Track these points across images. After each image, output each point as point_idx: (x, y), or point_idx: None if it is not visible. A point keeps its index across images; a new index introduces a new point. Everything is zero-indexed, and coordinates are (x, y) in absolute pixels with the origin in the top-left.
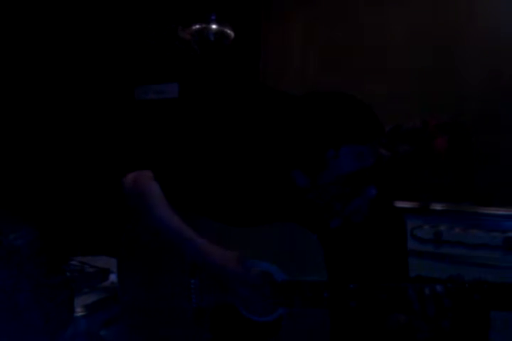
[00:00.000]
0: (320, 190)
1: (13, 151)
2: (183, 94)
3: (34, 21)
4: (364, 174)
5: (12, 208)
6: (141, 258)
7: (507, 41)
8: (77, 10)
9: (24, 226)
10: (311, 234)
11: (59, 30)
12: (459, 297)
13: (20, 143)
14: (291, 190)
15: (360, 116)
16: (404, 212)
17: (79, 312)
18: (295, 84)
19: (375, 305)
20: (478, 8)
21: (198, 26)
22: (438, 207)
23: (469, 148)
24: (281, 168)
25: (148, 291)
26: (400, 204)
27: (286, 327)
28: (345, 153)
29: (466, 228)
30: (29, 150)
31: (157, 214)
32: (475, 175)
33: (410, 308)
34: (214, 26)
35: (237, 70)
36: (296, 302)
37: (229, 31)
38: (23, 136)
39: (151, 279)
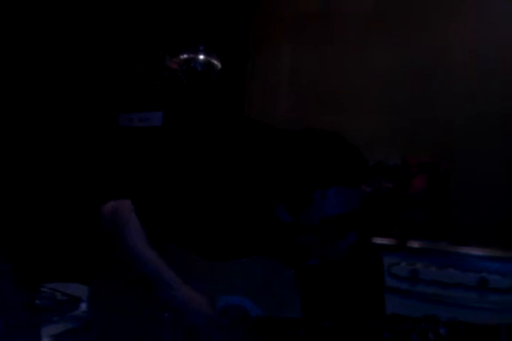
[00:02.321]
0: (302, 230)
1: None
2: (167, 123)
3: (18, 47)
4: (349, 218)
5: None
6: (113, 288)
7: (486, 81)
8: (65, 33)
9: None
10: (288, 270)
11: (46, 52)
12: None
13: None
14: (273, 224)
15: (352, 160)
16: (381, 249)
17: None
18: (280, 118)
19: None
20: (456, 48)
21: (185, 56)
22: (415, 244)
23: (447, 188)
24: (265, 202)
25: (119, 322)
26: (378, 240)
27: None
28: (333, 195)
29: (442, 267)
30: (5, 175)
31: (133, 246)
32: (452, 215)
33: None
34: (202, 57)
35: (222, 102)
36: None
37: (216, 62)
38: None
39: (123, 310)
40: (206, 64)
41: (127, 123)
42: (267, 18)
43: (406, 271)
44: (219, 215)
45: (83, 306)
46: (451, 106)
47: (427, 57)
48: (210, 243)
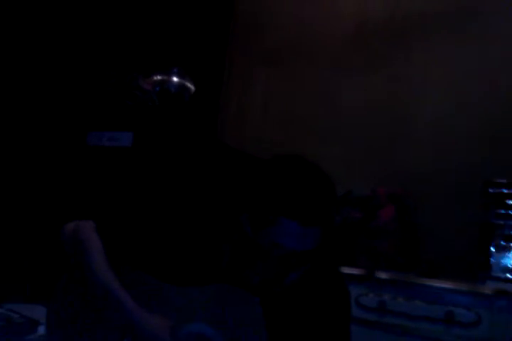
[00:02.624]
0: (253, 249)
1: None
2: (137, 143)
3: None
4: (296, 256)
5: None
6: (73, 310)
7: (460, 119)
8: (39, 49)
9: None
10: (253, 297)
11: (18, 66)
12: None
13: None
14: (233, 235)
15: (319, 198)
16: (349, 279)
17: None
18: (252, 142)
19: None
20: (430, 85)
21: (159, 77)
22: (383, 275)
23: (415, 219)
24: (228, 218)
25: None
26: (346, 270)
27: None
28: (283, 226)
29: (410, 298)
30: None
31: (94, 268)
32: (420, 247)
33: None
34: (175, 79)
35: (195, 124)
36: None
37: (190, 85)
38: None
39: (82, 333)
40: (180, 86)
41: (96, 142)
42: (244, 42)
43: (374, 301)
44: (182, 237)
45: (41, 329)
46: (422, 141)
47: (397, 91)
48: (173, 267)
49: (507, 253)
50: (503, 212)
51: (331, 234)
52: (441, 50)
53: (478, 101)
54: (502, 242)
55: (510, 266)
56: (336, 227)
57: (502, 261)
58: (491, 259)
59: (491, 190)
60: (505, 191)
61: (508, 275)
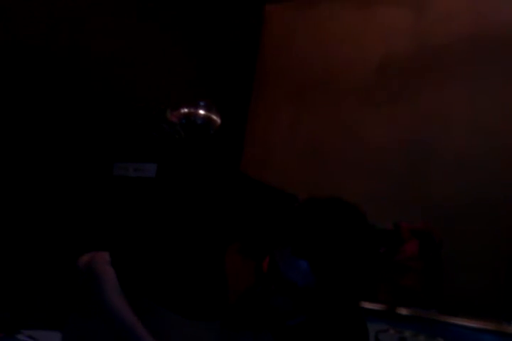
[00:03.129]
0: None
1: None
2: (160, 174)
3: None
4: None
5: None
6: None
7: (483, 155)
8: (68, 81)
9: None
10: (266, 332)
11: (46, 97)
12: None
13: None
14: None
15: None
16: (370, 314)
17: None
18: (276, 176)
19: None
20: (453, 120)
21: (186, 110)
22: (404, 311)
23: (439, 256)
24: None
25: None
26: (366, 305)
27: None
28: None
29: (431, 336)
30: None
31: (109, 302)
32: (443, 283)
33: None
34: (202, 111)
35: (219, 157)
36: None
37: (216, 118)
38: None
39: None
40: (206, 119)
41: (122, 172)
42: (270, 77)
43: (394, 338)
44: (197, 272)
45: None
46: (446, 175)
47: (421, 126)
48: (188, 301)
49: None
50: None
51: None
52: (466, 84)
53: (502, 135)
54: None
55: None
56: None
57: None
58: None
59: None
60: None
61: None
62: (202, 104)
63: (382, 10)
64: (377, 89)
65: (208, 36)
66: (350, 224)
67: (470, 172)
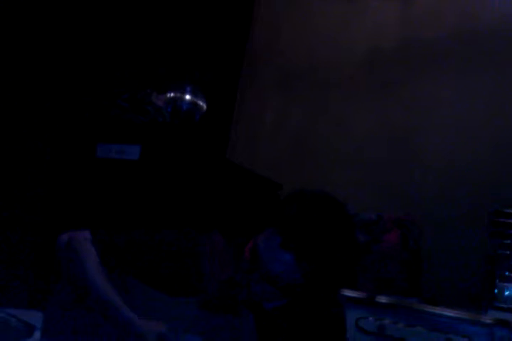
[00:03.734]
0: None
1: None
2: (144, 157)
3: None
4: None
5: None
6: (67, 317)
7: (466, 135)
8: (51, 63)
9: None
10: (247, 313)
11: (29, 76)
12: None
13: None
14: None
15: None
16: (350, 302)
17: None
18: (262, 164)
19: None
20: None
21: (172, 94)
22: (384, 300)
23: (419, 245)
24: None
25: None
26: (347, 293)
27: None
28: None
29: (410, 325)
30: None
31: (91, 279)
32: (424, 273)
33: None
34: (188, 97)
35: (204, 143)
36: None
37: (202, 104)
38: None
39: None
40: (192, 104)
41: (105, 154)
42: (258, 65)
43: (373, 325)
44: (176, 250)
45: (37, 335)
46: (430, 168)
47: (407, 117)
48: (171, 278)
49: (511, 284)
50: (509, 242)
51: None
52: (453, 77)
53: (489, 129)
54: (506, 273)
55: None
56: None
57: (506, 291)
58: (495, 289)
59: (497, 220)
60: None
61: (511, 306)
62: (188, 89)
63: (369, 3)
64: (365, 80)
65: (197, 22)
66: (338, 222)
67: (455, 164)
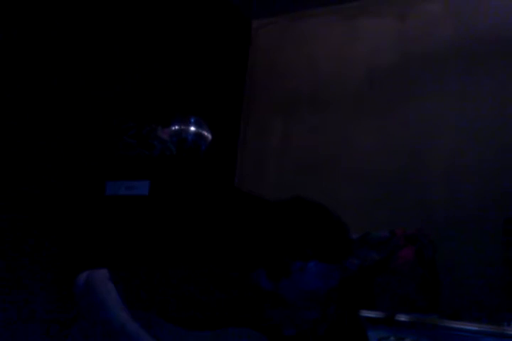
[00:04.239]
0: (275, 301)
1: None
2: (153, 192)
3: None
4: (328, 294)
5: None
6: None
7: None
8: (56, 101)
9: None
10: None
11: (38, 116)
12: None
13: None
14: (252, 293)
15: (336, 236)
16: (370, 322)
17: None
18: (270, 188)
19: None
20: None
21: (176, 127)
22: (403, 318)
23: (434, 260)
24: (245, 268)
25: None
26: (365, 313)
27: None
28: (312, 269)
29: None
30: None
31: (112, 316)
32: (441, 287)
33: None
34: (192, 128)
35: (213, 172)
36: None
37: (207, 134)
38: None
39: None
40: (197, 135)
41: (114, 191)
42: (259, 90)
43: None
44: (195, 284)
45: None
46: (437, 181)
47: (410, 131)
48: (189, 311)
49: None
50: None
51: (350, 276)
52: (453, 91)
53: (492, 138)
54: None
55: None
56: (354, 269)
57: None
58: None
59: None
60: None
61: None
62: (192, 120)
63: (365, 21)
64: (366, 99)
65: (196, 53)
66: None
67: (461, 176)
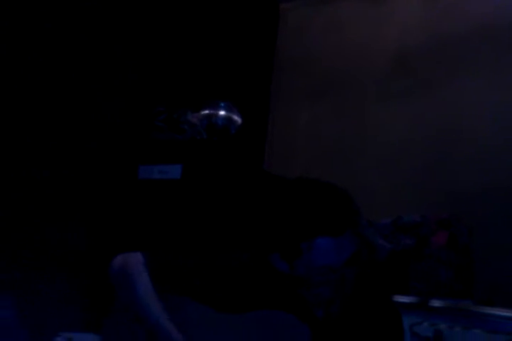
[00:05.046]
0: (296, 281)
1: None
2: (186, 176)
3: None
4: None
5: None
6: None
7: (507, 142)
8: (87, 86)
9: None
10: (301, 324)
11: (68, 101)
12: None
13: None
14: (271, 274)
15: (336, 209)
16: (403, 307)
17: None
18: (298, 172)
19: None
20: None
21: (207, 111)
22: (437, 303)
23: (468, 245)
24: (264, 252)
25: None
26: (399, 298)
27: None
28: (320, 245)
29: (468, 328)
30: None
31: (141, 302)
32: (476, 273)
33: None
34: (222, 112)
35: (242, 156)
36: None
37: (237, 118)
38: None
39: None
40: (226, 119)
41: (147, 175)
42: (288, 76)
43: (429, 331)
44: (228, 266)
45: None
46: (469, 162)
47: (443, 116)
48: (222, 294)
49: None
50: None
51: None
52: (483, 73)
53: None
54: None
55: None
56: (385, 254)
57: None
58: None
59: None
60: None
61: None
62: (222, 104)
63: (394, 3)
64: (396, 81)
65: (225, 37)
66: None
67: (495, 160)
